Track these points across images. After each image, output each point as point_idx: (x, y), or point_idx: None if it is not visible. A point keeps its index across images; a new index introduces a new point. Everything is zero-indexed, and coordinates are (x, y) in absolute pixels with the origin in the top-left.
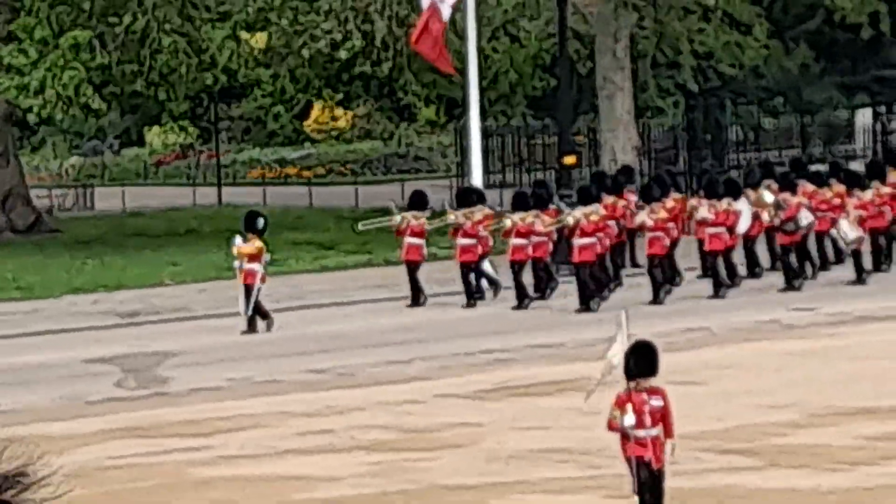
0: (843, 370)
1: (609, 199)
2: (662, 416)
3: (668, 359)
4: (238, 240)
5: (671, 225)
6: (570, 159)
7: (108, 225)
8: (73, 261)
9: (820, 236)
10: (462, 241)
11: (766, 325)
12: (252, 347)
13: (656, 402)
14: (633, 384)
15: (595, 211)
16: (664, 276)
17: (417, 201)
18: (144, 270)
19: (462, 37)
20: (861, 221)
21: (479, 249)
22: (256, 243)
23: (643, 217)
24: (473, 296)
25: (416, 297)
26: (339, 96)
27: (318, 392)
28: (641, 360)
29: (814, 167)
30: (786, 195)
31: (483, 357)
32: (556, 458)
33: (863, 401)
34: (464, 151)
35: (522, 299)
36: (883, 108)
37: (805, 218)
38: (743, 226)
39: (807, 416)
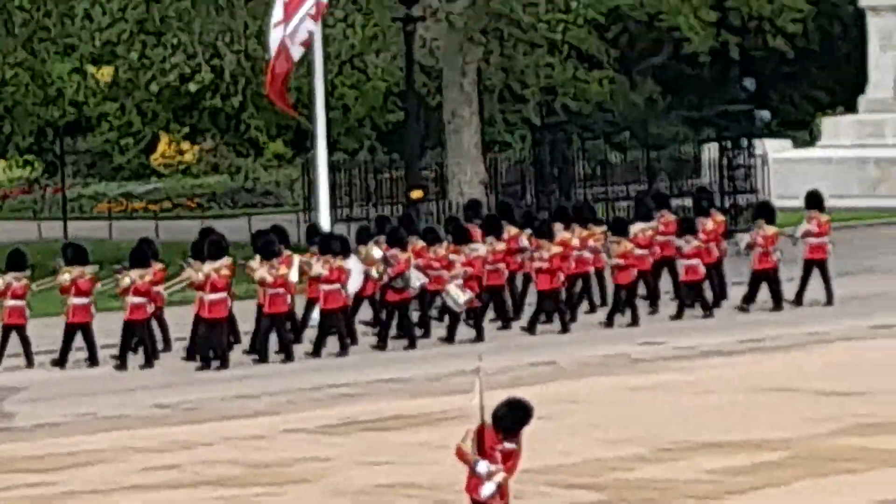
0: (689, 404)
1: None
2: (511, 456)
3: (515, 393)
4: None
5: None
6: (416, 193)
7: None
8: None
9: (431, 295)
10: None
11: (613, 360)
12: (100, 382)
13: (509, 445)
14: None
15: (224, 265)
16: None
17: (16, 262)
18: None
19: (309, 71)
20: (467, 280)
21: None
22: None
23: (262, 273)
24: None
25: (30, 358)
26: (186, 130)
27: (165, 427)
28: (512, 421)
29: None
30: (395, 251)
31: (330, 391)
32: (404, 493)
33: (709, 435)
34: (311, 186)
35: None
36: (729, 143)
37: (417, 279)
38: (353, 285)
39: (653, 450)
